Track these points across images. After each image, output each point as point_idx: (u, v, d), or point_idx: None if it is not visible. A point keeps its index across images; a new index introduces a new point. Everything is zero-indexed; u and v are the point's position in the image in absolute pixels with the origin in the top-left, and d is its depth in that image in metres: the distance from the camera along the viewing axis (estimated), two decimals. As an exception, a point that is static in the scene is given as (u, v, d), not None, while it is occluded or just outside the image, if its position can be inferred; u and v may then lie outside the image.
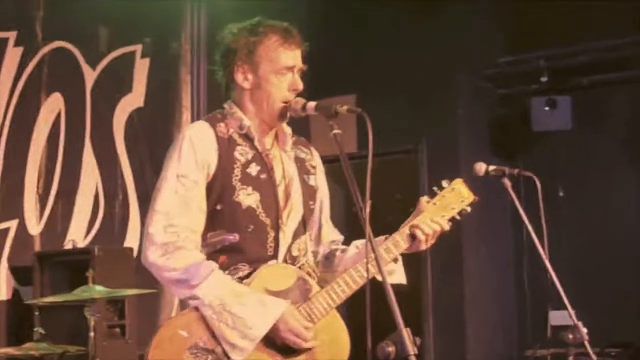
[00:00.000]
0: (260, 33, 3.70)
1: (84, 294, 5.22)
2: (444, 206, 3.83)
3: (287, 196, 3.73)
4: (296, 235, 3.72)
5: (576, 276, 7.91)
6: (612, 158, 8.39)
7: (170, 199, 3.55)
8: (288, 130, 3.81)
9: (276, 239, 3.64)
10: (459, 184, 3.89)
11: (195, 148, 3.58)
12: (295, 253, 3.70)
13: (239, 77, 3.69)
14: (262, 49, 3.67)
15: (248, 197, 3.60)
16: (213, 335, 3.46)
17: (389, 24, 8.57)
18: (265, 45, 3.67)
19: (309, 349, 3.57)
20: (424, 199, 3.82)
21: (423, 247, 3.76)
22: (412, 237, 3.73)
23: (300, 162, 3.84)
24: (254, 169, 3.64)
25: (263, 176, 3.66)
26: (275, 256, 3.64)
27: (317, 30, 8.73)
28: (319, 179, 3.93)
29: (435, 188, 3.87)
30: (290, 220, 3.71)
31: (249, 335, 3.44)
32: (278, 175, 3.72)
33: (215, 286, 3.46)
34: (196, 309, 3.49)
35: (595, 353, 4.51)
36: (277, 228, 3.65)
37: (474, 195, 3.90)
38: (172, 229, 3.50)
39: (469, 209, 3.88)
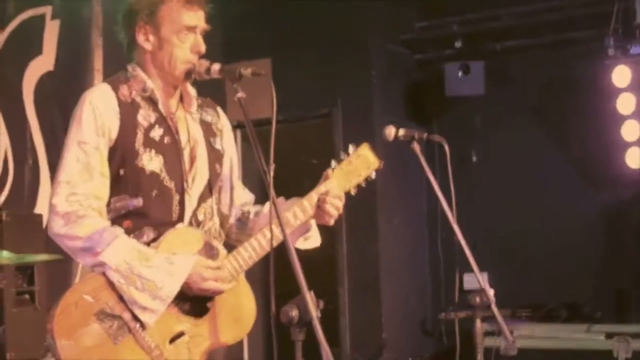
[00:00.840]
0: None
1: (-9, 260, 5.13)
2: (351, 171, 3.85)
3: (192, 160, 3.70)
4: (202, 199, 3.70)
5: (489, 240, 8.04)
6: (523, 123, 8.49)
7: (72, 167, 3.50)
8: (193, 92, 3.79)
9: (181, 203, 3.62)
10: (365, 149, 3.91)
11: (95, 113, 3.53)
12: (200, 217, 3.68)
13: (140, 38, 3.64)
14: (164, 10, 3.61)
15: (151, 162, 3.57)
16: (120, 300, 3.43)
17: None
18: (167, 6, 3.62)
19: (214, 312, 3.56)
20: (332, 164, 3.80)
21: (330, 222, 3.77)
22: (319, 205, 3.71)
23: (206, 125, 3.81)
24: (157, 133, 3.60)
25: (167, 140, 3.63)
26: (180, 220, 3.62)
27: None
28: (226, 142, 3.90)
29: (342, 152, 3.85)
30: (196, 184, 3.68)
31: (160, 295, 3.42)
32: (183, 138, 3.69)
33: (121, 251, 3.43)
34: (103, 274, 3.45)
35: (506, 316, 4.57)
36: (182, 192, 3.63)
37: (380, 161, 3.92)
38: (74, 197, 3.47)
39: (373, 175, 3.90)
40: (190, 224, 3.64)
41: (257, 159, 3.15)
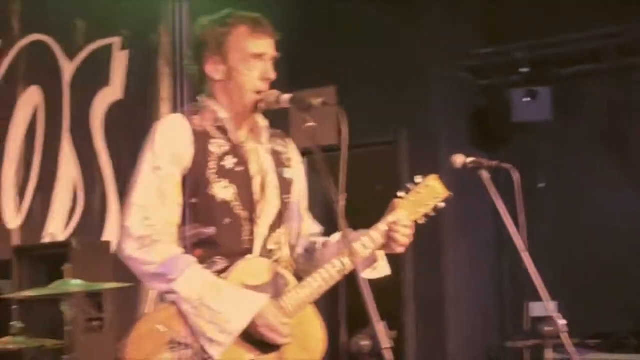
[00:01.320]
0: (229, 24, 3.68)
1: (61, 288, 5.19)
2: (419, 201, 3.85)
3: (263, 189, 3.70)
4: (272, 229, 3.70)
5: (556, 268, 7.95)
6: (591, 149, 8.41)
7: (147, 193, 3.51)
8: (264, 122, 3.79)
9: (252, 233, 3.62)
10: (433, 180, 3.92)
11: (170, 140, 3.55)
12: (270, 247, 3.68)
13: (209, 69, 3.66)
14: (231, 40, 3.65)
15: (223, 190, 3.57)
16: (192, 329, 3.44)
17: (368, 15, 8.55)
18: (234, 36, 3.65)
19: (284, 345, 3.55)
20: (399, 195, 3.81)
21: (400, 251, 3.76)
22: (388, 235, 3.72)
23: (276, 155, 3.82)
24: (229, 162, 3.61)
25: (239, 169, 3.64)
26: (250, 250, 3.61)
27: (296, 22, 8.73)
28: (296, 172, 3.91)
29: (408, 185, 3.86)
30: (266, 213, 3.68)
31: (226, 329, 3.41)
32: (253, 168, 3.69)
33: (193, 280, 3.43)
34: (174, 303, 3.46)
35: (575, 344, 4.51)
36: (252, 221, 3.63)
37: (448, 192, 3.92)
38: (148, 221, 3.46)
39: (442, 205, 3.91)
40: (261, 253, 3.64)
41: (327, 189, 3.14)
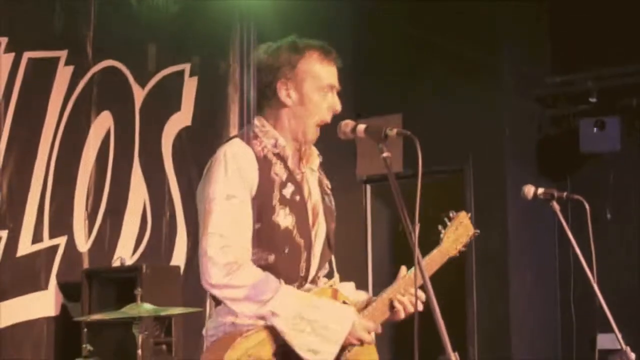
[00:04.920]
0: (300, 49, 3.70)
1: (132, 312, 5.25)
2: (456, 239, 4.03)
3: (315, 217, 3.73)
4: (323, 257, 3.75)
5: (623, 299, 7.86)
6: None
7: (222, 221, 3.49)
8: (316, 150, 3.83)
9: (308, 260, 3.66)
10: (465, 217, 4.10)
11: (239, 167, 3.56)
12: (321, 274, 3.74)
13: (282, 94, 3.66)
14: (303, 65, 3.67)
15: (286, 218, 3.60)
16: (283, 355, 3.46)
17: (434, 42, 8.56)
18: (306, 61, 3.67)
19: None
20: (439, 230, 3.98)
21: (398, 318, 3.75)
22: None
23: (320, 182, 3.85)
24: (289, 190, 3.64)
25: (297, 197, 3.66)
26: (306, 277, 3.66)
27: (363, 50, 8.78)
28: (333, 200, 3.92)
29: (440, 228, 4.00)
30: (318, 242, 3.72)
31: (332, 339, 3.45)
32: (307, 196, 3.73)
33: (288, 297, 3.46)
34: (265, 328, 3.47)
35: (643, 379, 4.47)
36: (309, 249, 3.67)
37: (475, 229, 4.14)
38: (229, 249, 3.46)
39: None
40: (314, 281, 3.68)
41: (402, 219, 3.15)
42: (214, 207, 3.51)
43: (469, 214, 4.12)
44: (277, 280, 3.49)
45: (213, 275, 3.46)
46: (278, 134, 3.67)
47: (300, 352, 3.43)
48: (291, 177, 3.67)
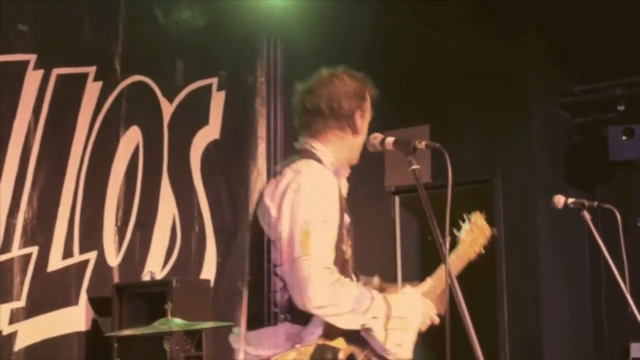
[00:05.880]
0: (367, 82, 3.83)
1: (163, 327, 5.26)
2: (473, 241, 4.07)
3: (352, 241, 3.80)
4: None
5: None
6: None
7: (321, 243, 3.47)
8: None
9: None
10: (480, 218, 4.14)
11: (331, 191, 3.60)
12: None
13: (358, 122, 3.74)
14: (369, 99, 3.80)
15: (348, 248, 3.71)
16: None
17: (463, 52, 8.55)
18: (369, 95, 3.81)
19: None
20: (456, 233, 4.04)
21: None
22: None
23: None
24: (347, 219, 3.70)
25: (347, 223, 3.71)
26: None
27: (392, 61, 8.77)
28: None
29: (455, 231, 4.04)
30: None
31: (409, 327, 3.63)
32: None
33: (380, 302, 3.57)
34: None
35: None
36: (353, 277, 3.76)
37: (493, 228, 4.16)
38: (329, 270, 3.45)
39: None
40: None
41: (433, 231, 3.16)
42: (312, 230, 3.47)
43: (483, 214, 4.15)
44: (369, 289, 3.62)
45: (318, 298, 3.42)
46: (335, 159, 3.73)
47: (390, 348, 3.57)
48: (344, 202, 3.71)
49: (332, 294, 3.42)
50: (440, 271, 3.83)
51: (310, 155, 3.67)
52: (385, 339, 3.55)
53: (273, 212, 3.53)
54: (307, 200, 3.51)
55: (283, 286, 3.52)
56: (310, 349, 3.49)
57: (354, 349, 3.56)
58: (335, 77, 3.77)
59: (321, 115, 3.70)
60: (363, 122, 3.75)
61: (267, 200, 3.57)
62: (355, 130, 3.72)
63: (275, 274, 3.54)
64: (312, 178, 3.57)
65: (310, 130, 3.73)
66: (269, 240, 3.56)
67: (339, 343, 3.54)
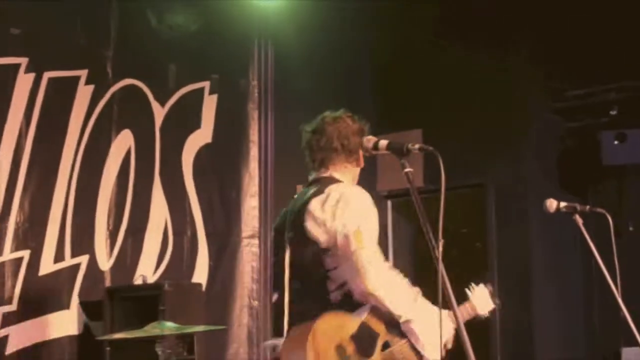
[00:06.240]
0: (364, 122, 4.42)
1: (155, 330, 5.25)
2: (479, 307, 4.60)
3: None
4: None
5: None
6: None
7: (372, 240, 4.06)
8: None
9: None
10: (484, 291, 4.68)
11: (370, 203, 4.19)
12: None
13: (361, 155, 4.28)
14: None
15: None
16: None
17: (455, 57, 8.55)
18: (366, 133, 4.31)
19: None
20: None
21: None
22: None
23: None
24: None
25: None
26: None
27: (383, 66, 8.78)
28: None
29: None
30: None
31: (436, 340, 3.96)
32: None
33: (424, 301, 4.14)
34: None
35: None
36: None
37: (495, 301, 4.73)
38: (382, 258, 4.09)
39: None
40: None
41: (425, 235, 3.16)
42: (363, 230, 4.05)
43: (489, 287, 4.71)
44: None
45: (380, 278, 4.00)
46: None
47: (426, 343, 4.05)
48: None
49: (391, 278, 4.05)
50: (461, 307, 4.36)
51: (337, 181, 4.23)
52: (422, 333, 4.02)
53: (329, 222, 4.05)
54: (357, 208, 4.11)
55: (337, 286, 4.03)
56: (355, 324, 3.97)
57: (391, 337, 4.04)
58: (340, 118, 4.36)
59: (334, 151, 4.26)
60: (363, 155, 4.25)
61: (319, 214, 4.09)
62: (358, 163, 4.30)
63: (329, 278, 4.03)
64: (356, 193, 4.17)
65: (325, 163, 4.29)
66: (320, 250, 4.05)
67: (380, 329, 4.01)
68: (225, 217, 7.77)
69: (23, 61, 6.69)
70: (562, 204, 4.75)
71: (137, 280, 7.08)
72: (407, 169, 3.38)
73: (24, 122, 6.66)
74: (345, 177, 4.27)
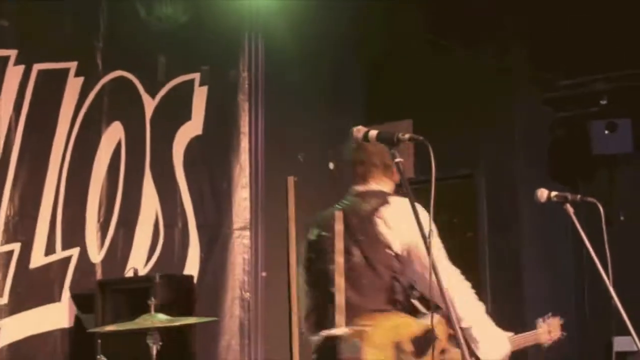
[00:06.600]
0: None
1: (146, 322, 5.24)
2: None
3: None
4: None
5: (637, 301, 7.81)
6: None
7: (448, 262, 4.41)
8: None
9: None
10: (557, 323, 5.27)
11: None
12: None
13: (395, 171, 4.57)
14: None
15: None
16: None
17: (444, 48, 8.55)
18: None
19: None
20: None
21: None
22: None
23: None
24: None
25: None
26: None
27: (373, 57, 8.78)
28: None
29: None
30: None
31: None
32: None
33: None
34: None
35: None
36: None
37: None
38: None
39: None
40: None
41: (417, 223, 3.17)
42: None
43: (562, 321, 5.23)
44: None
45: (451, 280, 4.27)
46: None
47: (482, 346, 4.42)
48: None
49: (462, 284, 4.37)
50: (527, 334, 4.95)
51: (387, 194, 4.56)
52: (483, 341, 4.39)
53: (401, 229, 4.35)
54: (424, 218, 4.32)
55: (402, 288, 4.38)
56: (418, 327, 4.27)
57: (449, 347, 4.39)
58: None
59: (375, 167, 4.57)
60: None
61: (391, 221, 4.40)
62: (392, 177, 4.60)
63: (397, 280, 4.36)
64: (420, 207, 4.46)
65: (366, 177, 4.58)
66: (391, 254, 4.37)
67: (442, 336, 4.37)
68: (216, 209, 7.74)
69: (12, 53, 6.66)
70: (553, 194, 4.75)
71: (129, 273, 7.06)
72: (398, 159, 3.38)
73: (13, 115, 6.64)
74: (385, 189, 4.59)
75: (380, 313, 4.25)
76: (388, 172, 4.60)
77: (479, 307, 4.46)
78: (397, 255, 4.35)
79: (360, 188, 4.59)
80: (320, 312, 4.44)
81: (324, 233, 4.54)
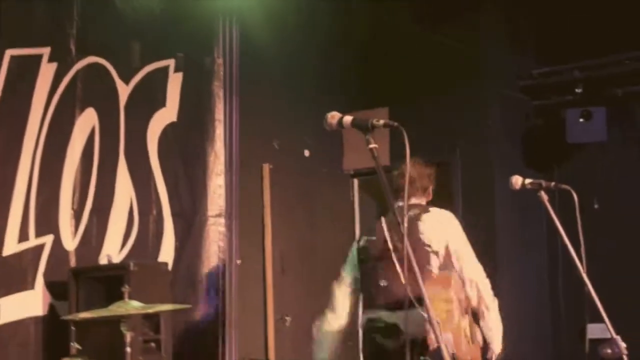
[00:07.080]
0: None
1: (120, 310, 5.22)
2: None
3: None
4: None
5: (612, 289, 7.85)
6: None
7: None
8: None
9: None
10: None
11: None
12: None
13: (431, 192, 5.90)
14: None
15: None
16: None
17: (421, 35, 8.55)
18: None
19: None
20: None
21: None
22: None
23: None
24: None
25: None
26: None
27: (350, 44, 8.76)
28: None
29: None
30: None
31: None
32: None
33: None
34: None
35: (634, 367, 4.48)
36: None
37: None
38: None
39: None
40: None
41: (390, 209, 3.17)
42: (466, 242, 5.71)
43: None
44: None
45: (481, 273, 5.70)
46: None
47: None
48: None
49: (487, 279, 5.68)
50: None
51: (428, 207, 5.66)
52: (494, 327, 5.58)
53: (443, 232, 5.54)
54: (459, 227, 5.69)
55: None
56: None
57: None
58: (418, 164, 5.67)
59: (416, 189, 5.66)
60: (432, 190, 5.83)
61: (437, 227, 5.54)
62: (428, 196, 5.81)
63: (431, 271, 5.43)
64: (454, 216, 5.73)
65: (409, 195, 5.50)
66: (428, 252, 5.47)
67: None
68: (191, 196, 7.72)
69: (-16, 39, 6.61)
70: (528, 181, 4.77)
71: (103, 260, 7.03)
72: (372, 145, 3.37)
73: (-14, 101, 6.58)
74: (423, 203, 5.70)
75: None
76: (425, 192, 5.79)
77: (496, 302, 5.63)
78: (435, 252, 5.45)
79: (402, 203, 5.21)
80: (367, 299, 5.63)
81: (371, 238, 5.56)
